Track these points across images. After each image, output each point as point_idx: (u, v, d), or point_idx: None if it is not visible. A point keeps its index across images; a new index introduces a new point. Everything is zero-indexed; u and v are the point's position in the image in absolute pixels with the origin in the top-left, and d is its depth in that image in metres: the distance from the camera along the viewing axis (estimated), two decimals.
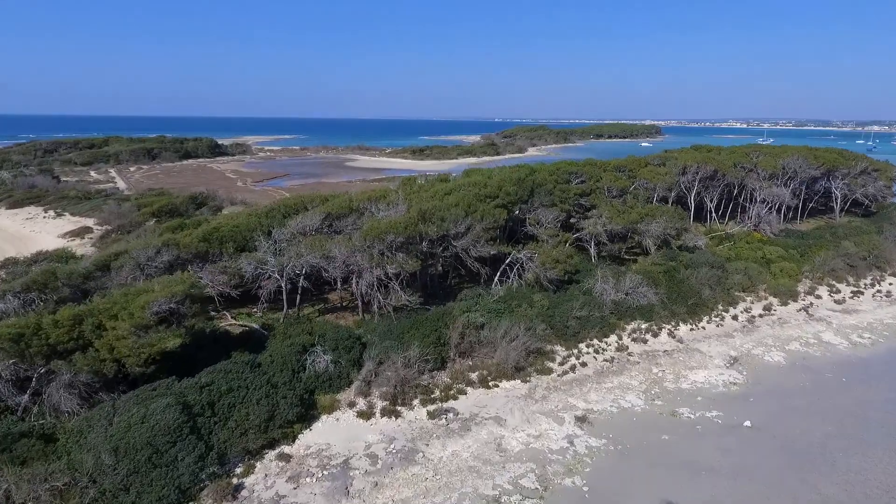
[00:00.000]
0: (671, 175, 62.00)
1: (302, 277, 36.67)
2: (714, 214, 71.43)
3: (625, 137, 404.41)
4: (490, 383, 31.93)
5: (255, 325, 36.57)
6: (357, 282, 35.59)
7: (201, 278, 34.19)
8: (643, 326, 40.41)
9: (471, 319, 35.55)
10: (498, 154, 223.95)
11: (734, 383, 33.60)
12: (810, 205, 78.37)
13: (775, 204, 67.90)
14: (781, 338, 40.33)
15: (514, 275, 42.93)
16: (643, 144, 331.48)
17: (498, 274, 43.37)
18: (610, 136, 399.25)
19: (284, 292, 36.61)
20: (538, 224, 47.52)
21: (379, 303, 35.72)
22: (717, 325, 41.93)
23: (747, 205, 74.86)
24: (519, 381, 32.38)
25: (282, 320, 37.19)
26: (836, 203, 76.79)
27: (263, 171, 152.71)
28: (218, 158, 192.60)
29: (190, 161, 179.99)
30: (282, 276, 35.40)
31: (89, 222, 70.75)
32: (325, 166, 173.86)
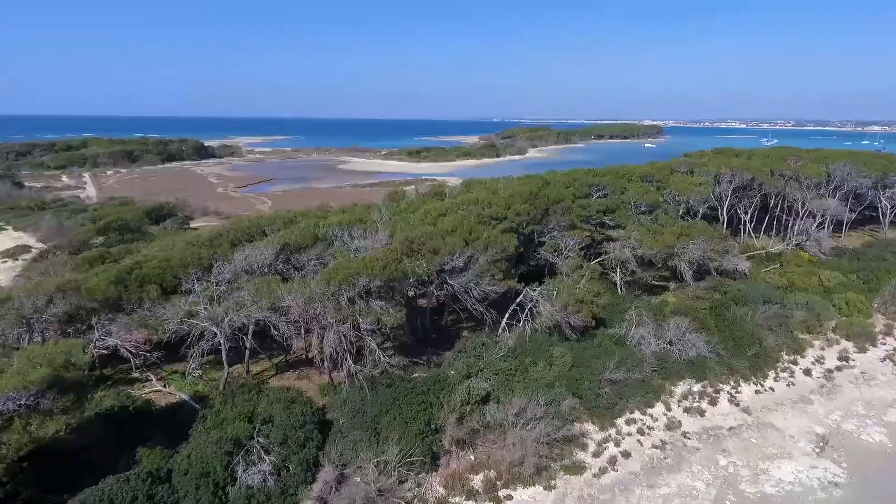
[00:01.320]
0: (706, 185, 52.82)
1: (248, 333, 27.45)
2: (748, 228, 62.39)
3: (626, 138, 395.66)
4: (500, 492, 22.72)
5: (184, 396, 27.36)
6: (320, 340, 26.34)
7: (104, 339, 24.91)
8: (696, 389, 31.21)
9: (473, 390, 26.34)
10: (498, 156, 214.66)
11: (835, 483, 24.44)
12: (853, 216, 69.35)
13: (824, 217, 58.76)
14: (874, 403, 31.18)
15: (527, 316, 33.76)
16: (646, 145, 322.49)
17: (506, 316, 34.19)
18: (611, 137, 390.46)
19: (224, 352, 27.36)
20: (556, 251, 38.30)
21: (349, 368, 26.48)
22: (788, 385, 32.73)
23: (785, 217, 65.98)
24: (540, 489, 23.16)
25: (222, 387, 27.97)
26: (885, 215, 67.71)
27: (249, 175, 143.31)
28: (203, 161, 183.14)
29: (173, 164, 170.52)
30: (218, 332, 26.14)
31: (32, 240, 61.38)
32: (315, 169, 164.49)
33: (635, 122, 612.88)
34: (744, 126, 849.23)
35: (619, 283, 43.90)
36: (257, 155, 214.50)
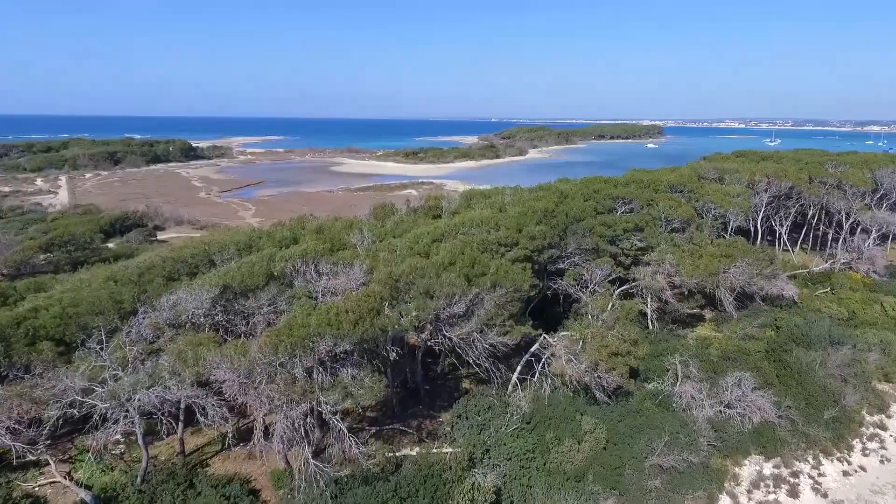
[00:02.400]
0: (745, 196, 45.62)
1: (179, 407, 20.14)
2: (784, 243, 55.22)
3: (628, 138, 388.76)
4: None
5: (86, 498, 20.03)
6: (263, 428, 19.04)
7: None
8: (767, 472, 23.93)
9: (478, 492, 19.09)
10: (498, 157, 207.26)
11: None
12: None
13: (881, 231, 51.58)
14: None
15: (544, 368, 26.51)
16: (649, 146, 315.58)
17: (518, 369, 26.93)
18: (612, 137, 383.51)
19: (140, 436, 20.05)
20: (579, 283, 31.06)
21: (307, 462, 19.20)
22: (882, 460, 25.49)
23: (824, 228, 58.90)
24: None
25: (139, 480, 20.67)
26: None
27: (236, 179, 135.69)
28: (192, 163, 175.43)
29: (159, 166, 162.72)
30: (123, 416, 18.84)
31: None
32: (307, 171, 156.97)
33: (633, 121, 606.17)
34: (742, 126, 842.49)
35: (649, 315, 36.75)
36: (248, 156, 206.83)
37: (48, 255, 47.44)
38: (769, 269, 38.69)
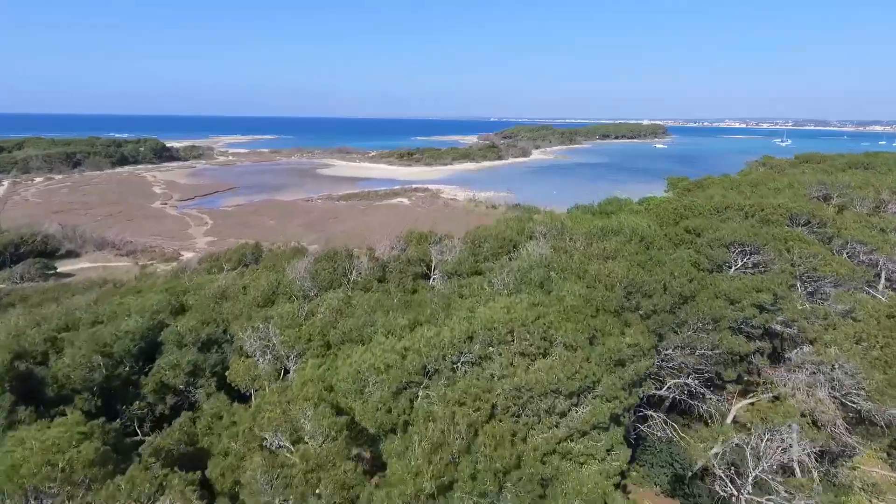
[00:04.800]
0: None
1: None
2: None
3: (633, 138, 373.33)
4: None
5: None
6: None
7: None
8: None
9: None
10: (500, 158, 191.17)
11: None
12: None
13: None
14: None
15: None
16: (658, 146, 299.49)
17: None
18: (617, 137, 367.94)
19: None
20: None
21: None
22: None
23: None
24: None
25: None
26: None
27: (205, 184, 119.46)
28: (164, 165, 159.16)
29: (125, 168, 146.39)
30: None
31: None
32: (290, 175, 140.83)
33: (633, 121, 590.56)
34: (743, 126, 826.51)
35: (795, 456, 21.04)
36: (230, 157, 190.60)
37: None
38: None
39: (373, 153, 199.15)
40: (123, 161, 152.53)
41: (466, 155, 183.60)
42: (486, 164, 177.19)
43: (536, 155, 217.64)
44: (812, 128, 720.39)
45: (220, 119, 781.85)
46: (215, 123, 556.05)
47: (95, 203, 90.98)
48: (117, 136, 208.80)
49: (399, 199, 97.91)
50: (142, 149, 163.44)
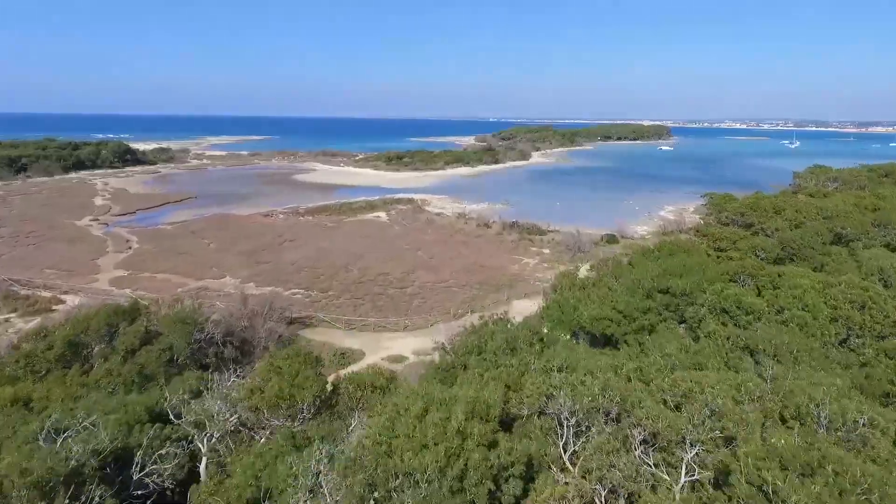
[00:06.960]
0: None
1: None
2: None
3: (636, 139, 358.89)
4: None
5: None
6: None
7: None
8: None
9: None
10: (497, 162, 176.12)
11: None
12: None
13: None
14: None
15: None
16: (663, 148, 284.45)
17: None
18: (619, 138, 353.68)
19: None
20: None
21: None
22: None
23: None
24: None
25: None
26: None
27: (159, 193, 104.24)
28: (127, 169, 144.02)
29: (80, 174, 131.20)
30: None
31: None
32: (261, 181, 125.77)
33: (634, 122, 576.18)
34: (743, 126, 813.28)
35: None
36: (204, 160, 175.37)
37: None
38: None
39: (360, 156, 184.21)
40: (79, 166, 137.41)
41: (460, 159, 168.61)
42: (482, 168, 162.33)
43: (536, 157, 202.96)
44: (814, 129, 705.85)
45: (220, 119, 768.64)
46: (215, 123, 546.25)
47: (8, 219, 75.85)
48: (93, 136, 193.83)
49: (375, 214, 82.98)
50: (103, 151, 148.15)
